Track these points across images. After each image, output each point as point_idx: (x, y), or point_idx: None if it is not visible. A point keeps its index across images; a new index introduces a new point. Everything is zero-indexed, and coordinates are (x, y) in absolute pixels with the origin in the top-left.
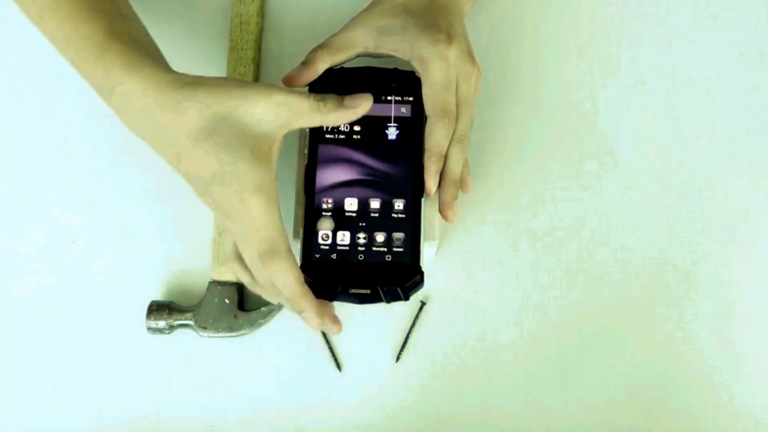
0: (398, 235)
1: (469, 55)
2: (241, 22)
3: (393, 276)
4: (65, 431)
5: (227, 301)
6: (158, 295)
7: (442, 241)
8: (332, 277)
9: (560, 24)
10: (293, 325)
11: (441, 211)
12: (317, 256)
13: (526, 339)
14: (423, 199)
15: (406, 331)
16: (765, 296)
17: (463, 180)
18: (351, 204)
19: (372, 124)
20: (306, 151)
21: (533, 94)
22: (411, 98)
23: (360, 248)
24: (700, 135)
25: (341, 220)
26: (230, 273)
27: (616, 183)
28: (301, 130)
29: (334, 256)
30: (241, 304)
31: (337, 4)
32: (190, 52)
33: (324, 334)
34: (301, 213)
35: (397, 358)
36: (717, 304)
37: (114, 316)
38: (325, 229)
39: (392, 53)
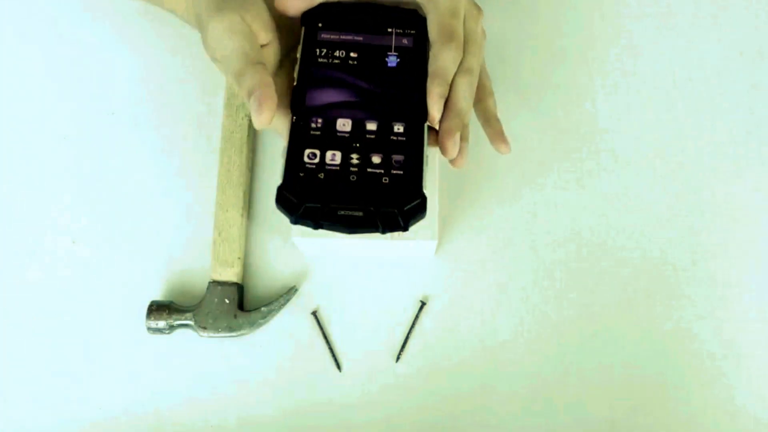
0: (397, 157)
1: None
2: None
3: (390, 198)
4: (65, 431)
5: (227, 301)
6: (158, 295)
7: (442, 241)
8: (318, 196)
9: (560, 24)
10: (293, 325)
11: (441, 141)
12: (301, 174)
13: (526, 339)
14: (426, 126)
15: (406, 331)
16: (765, 296)
17: (497, 137)
18: (344, 124)
19: (371, 52)
20: (296, 75)
21: (533, 94)
22: (413, 31)
23: (352, 169)
24: (700, 135)
25: (332, 140)
26: (230, 273)
27: (616, 183)
28: (293, 55)
29: (321, 175)
30: (241, 304)
31: None
32: None
33: (324, 335)
34: (286, 134)
35: (397, 358)
36: (717, 304)
37: (114, 316)
38: (312, 148)
39: None
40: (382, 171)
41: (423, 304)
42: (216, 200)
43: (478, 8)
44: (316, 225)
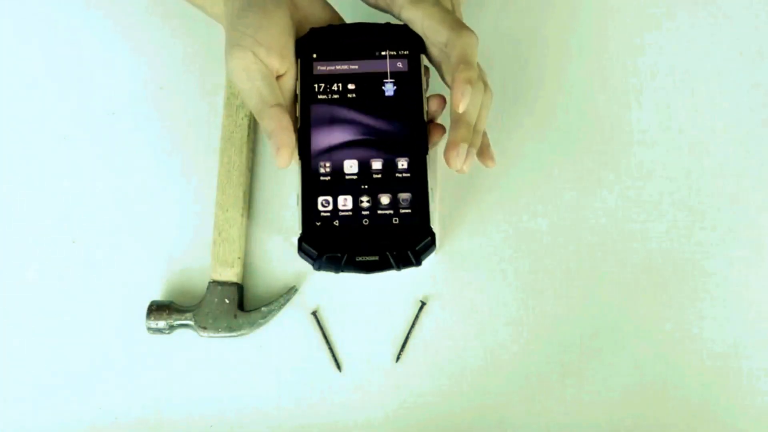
0: (404, 196)
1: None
2: None
3: (402, 239)
4: (65, 431)
5: (227, 301)
6: (158, 295)
7: (442, 241)
8: (336, 246)
9: (560, 24)
10: (293, 325)
11: (445, 151)
12: (318, 224)
13: (526, 339)
14: (428, 156)
15: (406, 331)
16: (765, 296)
17: (484, 150)
18: (351, 166)
19: (367, 82)
20: (298, 114)
21: (532, 94)
22: (406, 51)
23: (364, 212)
24: (699, 135)
25: (342, 185)
26: (230, 273)
27: (615, 183)
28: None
29: (336, 222)
30: (241, 304)
31: (336, 7)
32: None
33: (324, 335)
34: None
35: (397, 358)
36: (717, 304)
37: (114, 316)
38: (324, 195)
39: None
40: (392, 212)
41: (423, 304)
42: (216, 200)
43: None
44: (337, 270)
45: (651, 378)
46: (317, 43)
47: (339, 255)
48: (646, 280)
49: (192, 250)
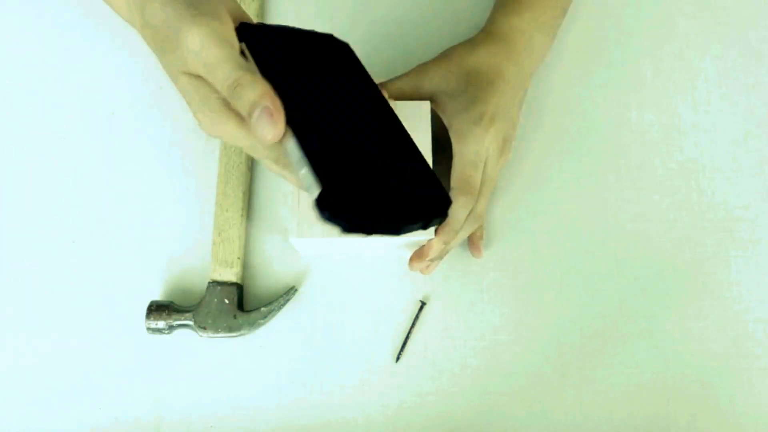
0: (398, 154)
1: (504, 141)
2: None
3: (419, 192)
4: (65, 431)
5: (227, 301)
6: (158, 295)
7: None
8: (363, 204)
9: (560, 24)
10: (293, 325)
11: (413, 257)
12: (339, 184)
13: (526, 339)
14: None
15: (406, 331)
16: (765, 296)
17: (474, 243)
18: (340, 129)
19: (316, 71)
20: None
21: (532, 94)
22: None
23: (376, 170)
24: (700, 135)
25: (343, 146)
26: (230, 273)
27: (615, 183)
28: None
29: (357, 180)
30: (241, 305)
31: (336, 7)
32: None
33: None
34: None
35: (397, 358)
36: (717, 304)
37: (114, 316)
38: (330, 156)
39: (435, 109)
40: (400, 174)
41: (423, 304)
42: (216, 200)
43: (505, 148)
44: (368, 230)
45: (650, 378)
46: (251, 37)
47: (368, 208)
48: (646, 280)
49: (192, 250)
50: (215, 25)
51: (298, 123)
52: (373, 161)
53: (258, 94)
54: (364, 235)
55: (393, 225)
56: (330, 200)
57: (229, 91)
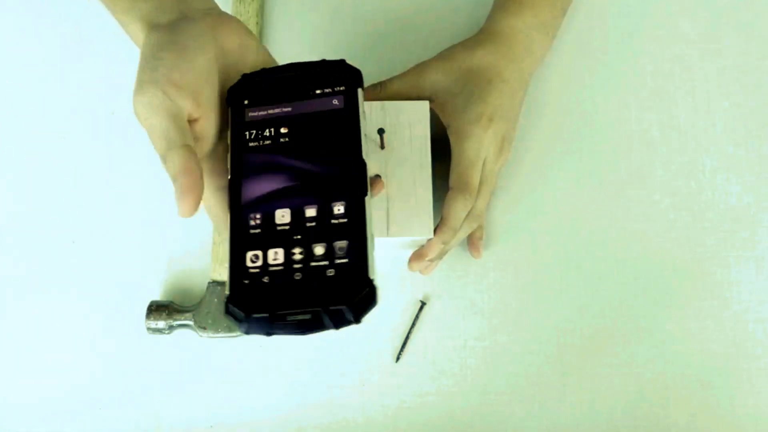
0: (340, 244)
1: (503, 140)
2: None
3: (336, 294)
4: (65, 431)
5: None
6: (158, 295)
7: None
8: (265, 305)
9: (561, 25)
10: None
11: (412, 256)
12: (246, 282)
13: (526, 339)
14: (368, 199)
15: (406, 331)
16: (765, 296)
17: (474, 244)
18: (283, 216)
19: (301, 124)
20: (228, 165)
21: (531, 93)
22: (342, 87)
23: (296, 266)
24: (700, 135)
25: (273, 237)
26: None
27: (615, 183)
28: (224, 142)
29: (266, 279)
30: None
31: (337, 7)
32: None
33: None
34: (227, 235)
35: (397, 358)
36: (717, 304)
37: (114, 316)
38: (254, 249)
39: (434, 108)
40: (327, 262)
41: (423, 304)
42: None
43: (504, 147)
44: (269, 333)
45: (651, 378)
46: (249, 88)
47: (267, 315)
48: (646, 280)
49: (192, 250)
50: (156, 95)
51: (240, 206)
52: (302, 246)
53: (177, 169)
54: (266, 336)
55: (296, 330)
56: (231, 303)
57: (161, 161)
